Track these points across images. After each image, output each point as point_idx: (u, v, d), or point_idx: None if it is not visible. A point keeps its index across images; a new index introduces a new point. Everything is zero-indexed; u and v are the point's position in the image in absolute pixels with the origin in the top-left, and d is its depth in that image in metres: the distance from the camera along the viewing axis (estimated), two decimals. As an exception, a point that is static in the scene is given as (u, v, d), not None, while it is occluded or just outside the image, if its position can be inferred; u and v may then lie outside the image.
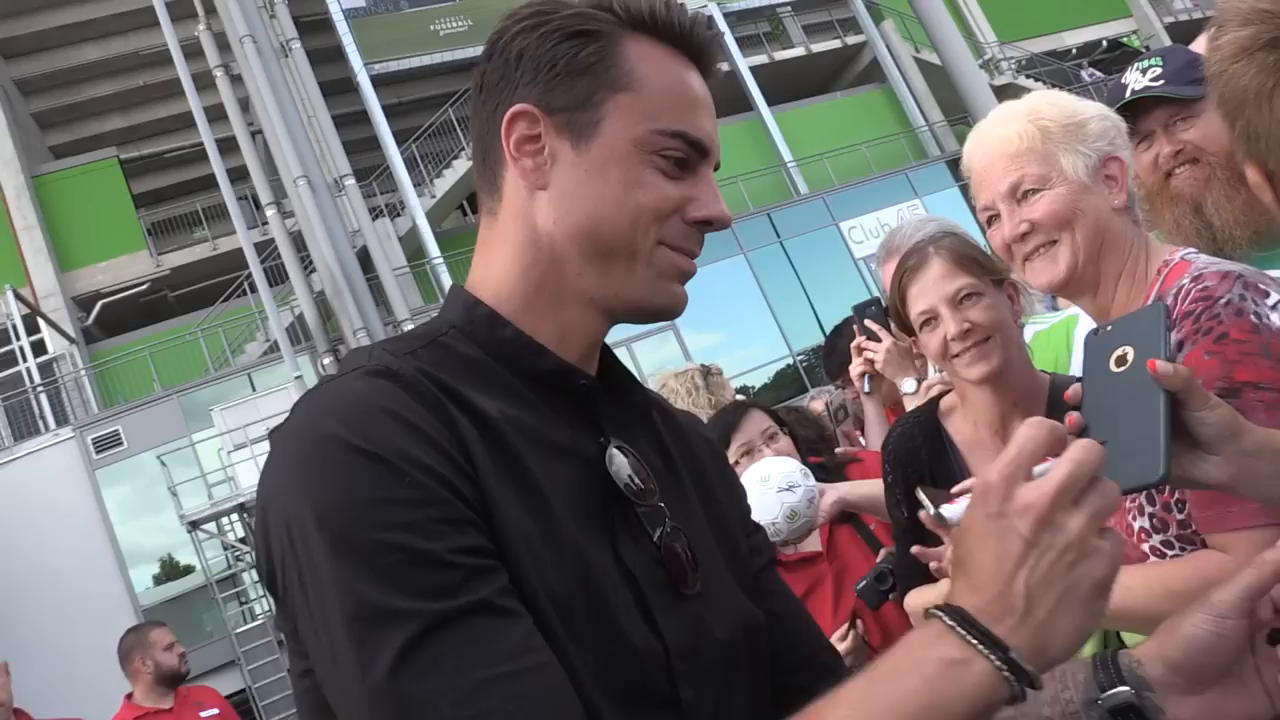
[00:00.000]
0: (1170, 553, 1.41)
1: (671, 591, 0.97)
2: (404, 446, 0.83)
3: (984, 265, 1.91)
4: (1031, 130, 1.57)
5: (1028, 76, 26.41)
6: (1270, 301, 1.35)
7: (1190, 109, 1.95)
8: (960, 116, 23.15)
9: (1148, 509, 1.43)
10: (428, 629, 0.78)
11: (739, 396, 3.65)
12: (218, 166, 17.66)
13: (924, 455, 1.97)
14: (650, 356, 16.84)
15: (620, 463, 0.98)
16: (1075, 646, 0.77)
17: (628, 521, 0.97)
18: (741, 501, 1.20)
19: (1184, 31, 31.28)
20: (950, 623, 0.76)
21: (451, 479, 0.84)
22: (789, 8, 25.08)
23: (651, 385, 3.42)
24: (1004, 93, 23.70)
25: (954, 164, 23.13)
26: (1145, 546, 1.41)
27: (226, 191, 17.65)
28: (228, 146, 18.85)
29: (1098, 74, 28.60)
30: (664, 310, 1.02)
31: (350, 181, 18.97)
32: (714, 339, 19.30)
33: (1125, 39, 31.33)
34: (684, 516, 1.04)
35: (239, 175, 19.66)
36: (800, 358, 19.09)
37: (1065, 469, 0.77)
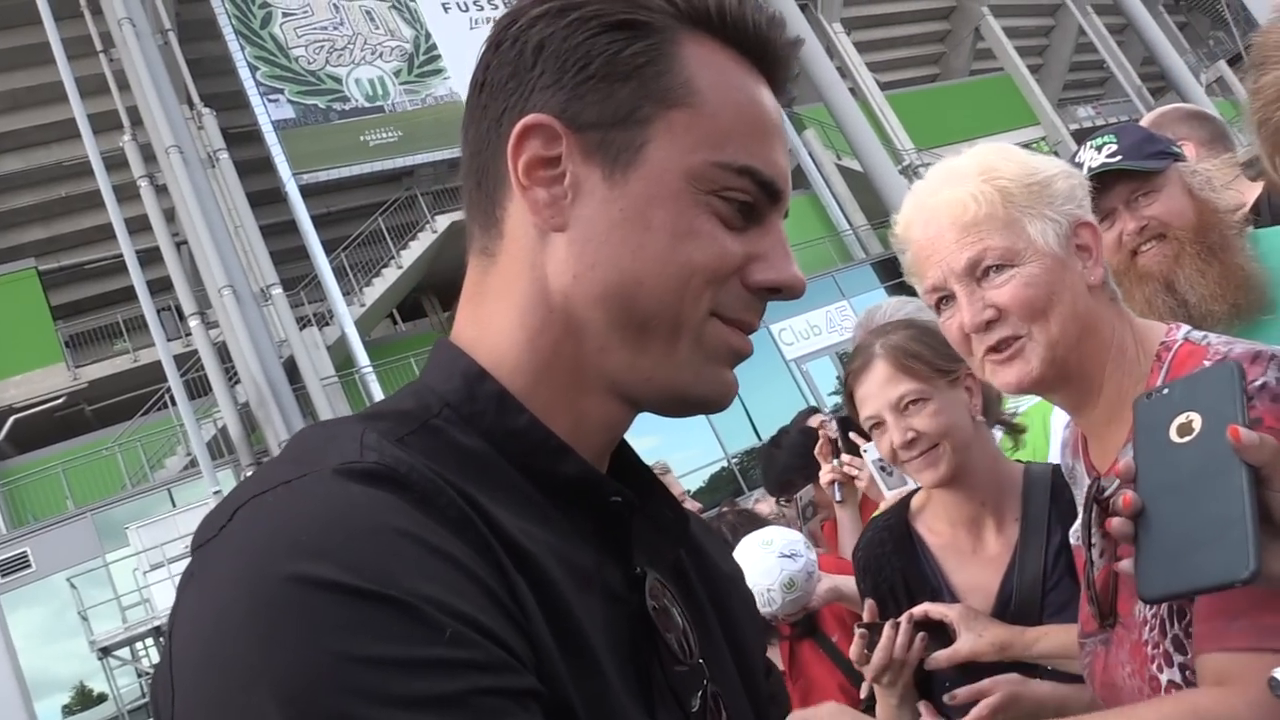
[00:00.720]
0: None
1: None
2: (433, 590, 0.56)
3: (933, 364, 1.74)
4: (989, 192, 1.26)
5: (945, 182, 27.35)
6: None
7: (1151, 183, 1.90)
8: (882, 220, 23.77)
9: (1171, 632, 1.13)
10: None
11: (685, 495, 3.57)
12: (137, 278, 17.35)
13: (895, 561, 1.83)
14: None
15: (661, 603, 0.76)
16: None
17: (662, 679, 0.74)
18: (761, 633, 0.98)
19: (1087, 137, 32.72)
20: None
21: (503, 634, 0.59)
22: (713, 118, 25.79)
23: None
24: (923, 197, 24.45)
25: (878, 266, 23.80)
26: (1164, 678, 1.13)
27: (146, 302, 17.29)
28: (151, 257, 18.58)
29: (1011, 179, 29.72)
30: (709, 402, 0.76)
31: (277, 291, 18.77)
32: (650, 442, 19.15)
33: (1034, 145, 32.69)
34: (715, 666, 0.82)
35: (162, 286, 19.34)
36: (735, 460, 19.04)
37: None
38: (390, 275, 20.65)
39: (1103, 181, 1.87)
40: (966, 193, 1.27)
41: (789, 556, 2.29)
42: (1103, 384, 1.27)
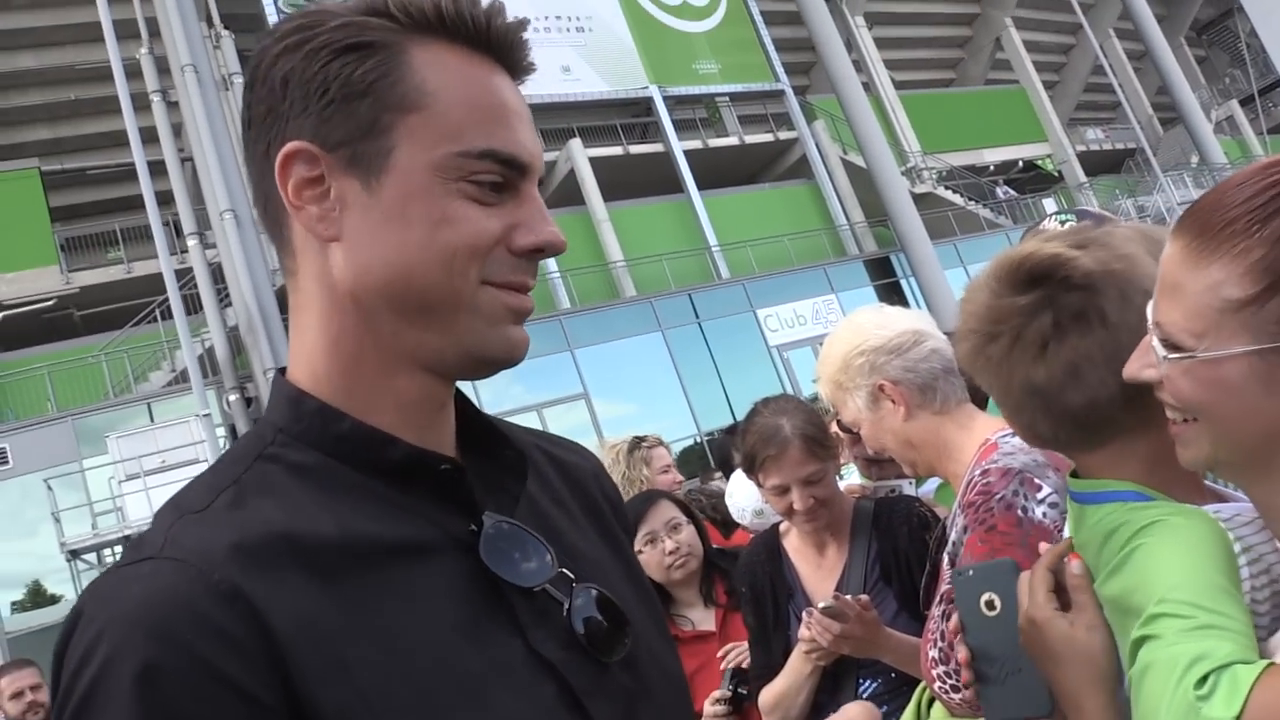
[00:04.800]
0: (950, 681, 1.66)
1: (597, 666, 0.85)
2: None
3: (827, 447, 2.40)
4: (828, 388, 2.01)
5: (947, 187, 27.53)
6: (1040, 495, 1.61)
7: None
8: (880, 219, 24.00)
9: (938, 643, 1.69)
10: None
11: (671, 467, 3.89)
12: (146, 187, 17.36)
13: (766, 567, 2.55)
14: (558, 423, 16.95)
15: (497, 545, 0.85)
16: None
17: (530, 603, 0.84)
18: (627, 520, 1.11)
19: (1093, 159, 32.94)
20: None
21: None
22: (727, 98, 25.86)
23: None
24: (923, 200, 24.66)
25: (870, 264, 23.84)
26: (934, 672, 1.66)
27: (153, 212, 17.31)
28: (155, 171, 18.64)
29: (1011, 192, 29.96)
30: (501, 359, 0.86)
31: (277, 219, 18.79)
32: (626, 410, 19.48)
33: (1040, 161, 32.89)
34: (593, 566, 0.92)
35: (163, 201, 19.39)
36: (708, 437, 19.34)
37: None
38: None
39: None
40: (821, 389, 2.04)
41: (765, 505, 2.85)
42: (943, 470, 1.90)
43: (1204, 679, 0.90)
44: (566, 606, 0.86)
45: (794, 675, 2.36)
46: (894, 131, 27.24)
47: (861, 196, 25.10)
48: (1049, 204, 29.60)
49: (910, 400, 1.88)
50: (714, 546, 3.12)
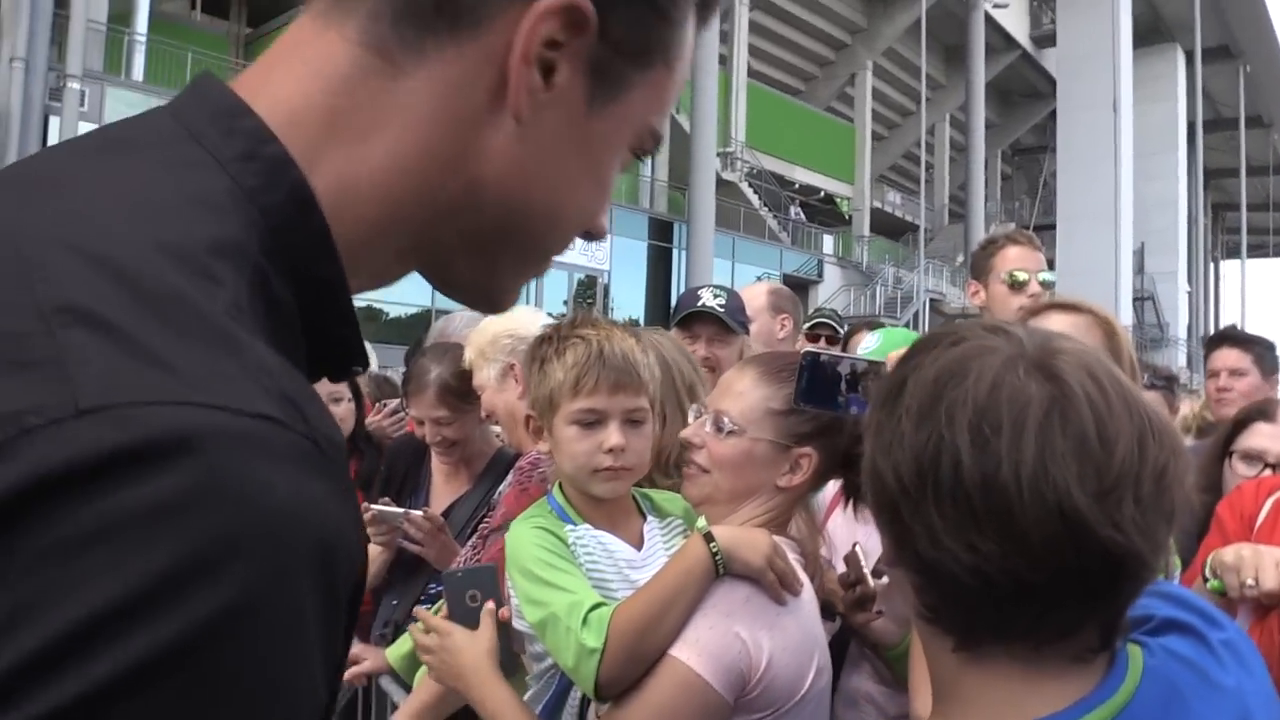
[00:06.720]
0: None
1: None
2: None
3: (463, 397, 2.65)
4: (472, 351, 2.53)
5: (750, 185, 28.40)
6: None
7: (727, 336, 2.81)
8: (680, 186, 24.38)
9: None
10: None
11: None
12: None
13: (409, 458, 2.96)
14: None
15: None
16: None
17: None
18: None
19: (881, 219, 34.91)
20: None
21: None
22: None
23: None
24: (724, 187, 25.32)
25: (655, 222, 23.85)
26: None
27: None
28: None
29: (802, 215, 31.37)
30: (498, 307, 0.72)
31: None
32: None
33: (839, 199, 34.55)
34: None
35: None
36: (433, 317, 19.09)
37: None
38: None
39: (701, 317, 2.82)
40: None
41: None
42: (526, 445, 2.31)
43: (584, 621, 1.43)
44: None
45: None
46: (729, 112, 27.69)
47: (673, 157, 25.43)
48: (828, 240, 31.18)
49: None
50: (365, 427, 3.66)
